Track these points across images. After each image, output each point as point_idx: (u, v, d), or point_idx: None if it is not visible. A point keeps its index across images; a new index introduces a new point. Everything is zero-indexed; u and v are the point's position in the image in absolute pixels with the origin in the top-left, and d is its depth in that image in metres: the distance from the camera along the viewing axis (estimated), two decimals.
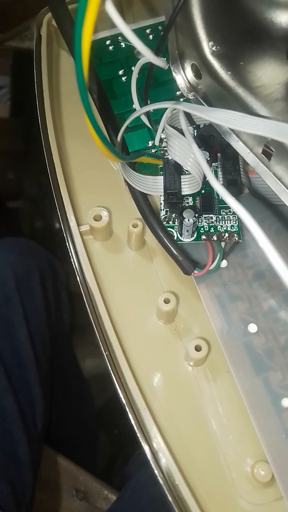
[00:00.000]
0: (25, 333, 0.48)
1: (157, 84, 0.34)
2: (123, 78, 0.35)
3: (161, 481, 0.24)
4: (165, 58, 0.23)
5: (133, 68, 0.36)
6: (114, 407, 0.76)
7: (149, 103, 0.28)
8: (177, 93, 0.34)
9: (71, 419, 0.66)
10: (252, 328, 0.27)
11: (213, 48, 0.25)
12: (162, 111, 0.30)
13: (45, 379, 0.49)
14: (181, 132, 0.27)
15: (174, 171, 0.28)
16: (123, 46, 0.37)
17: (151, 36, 0.37)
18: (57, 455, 0.56)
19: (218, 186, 0.20)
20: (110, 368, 0.26)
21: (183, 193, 0.27)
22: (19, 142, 0.92)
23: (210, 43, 0.25)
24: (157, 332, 0.29)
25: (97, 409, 0.76)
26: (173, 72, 0.27)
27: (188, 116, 0.29)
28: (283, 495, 0.24)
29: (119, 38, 0.37)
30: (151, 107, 0.25)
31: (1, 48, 0.68)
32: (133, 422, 0.25)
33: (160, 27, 0.37)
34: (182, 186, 0.27)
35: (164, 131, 0.29)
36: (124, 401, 0.26)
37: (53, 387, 0.53)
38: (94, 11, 0.15)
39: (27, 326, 0.48)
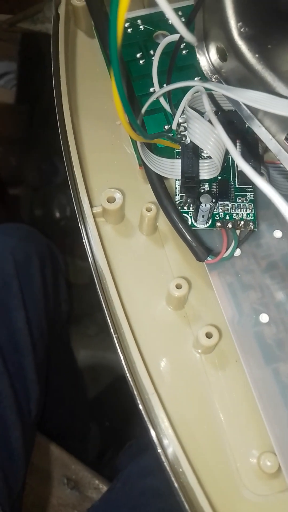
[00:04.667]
0: (22, 319, 0.47)
1: (175, 69, 0.34)
2: (141, 61, 0.35)
3: (167, 467, 0.23)
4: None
5: (151, 51, 0.35)
6: (106, 399, 0.76)
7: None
8: (196, 79, 0.33)
9: (64, 408, 0.65)
10: (264, 318, 0.27)
11: (242, 30, 0.24)
12: (179, 96, 0.29)
13: (40, 365, 0.49)
14: (201, 115, 0.26)
15: (192, 155, 0.27)
16: (142, 29, 0.36)
17: (170, 21, 0.36)
18: (49, 443, 0.56)
19: (244, 165, 0.19)
20: (118, 349, 0.26)
21: (201, 178, 0.27)
22: (23, 128, 0.91)
23: (238, 24, 0.24)
24: (166, 318, 0.29)
25: (89, 400, 0.75)
26: (197, 54, 0.27)
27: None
28: None
29: (138, 21, 0.37)
30: (177, 85, 0.24)
31: (12, 30, 0.67)
32: (140, 406, 0.25)
33: (180, 12, 0.37)
34: (200, 171, 0.27)
35: (183, 115, 0.28)
36: (132, 384, 0.25)
37: (48, 375, 0.53)
38: None
39: (24, 312, 0.48)
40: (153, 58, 0.34)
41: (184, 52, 0.35)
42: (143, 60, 0.35)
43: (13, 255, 0.50)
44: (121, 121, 0.21)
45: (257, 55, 0.24)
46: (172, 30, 0.30)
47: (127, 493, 0.47)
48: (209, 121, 0.26)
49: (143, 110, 0.26)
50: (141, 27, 0.36)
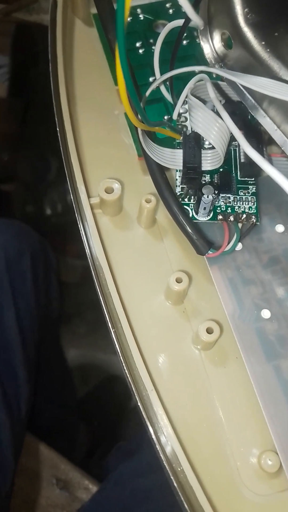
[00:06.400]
0: (13, 316, 0.46)
1: (176, 60, 0.33)
2: (140, 51, 0.34)
3: (166, 466, 0.23)
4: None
5: (151, 40, 0.34)
6: (95, 399, 0.75)
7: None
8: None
9: (54, 407, 0.64)
10: (265, 313, 0.26)
11: (248, 16, 0.23)
12: (180, 87, 0.28)
13: (30, 364, 0.48)
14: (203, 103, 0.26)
15: (194, 145, 0.26)
16: (142, 18, 0.36)
17: (171, 11, 0.36)
18: (38, 443, 0.55)
19: (252, 152, 0.19)
20: (116, 345, 0.25)
21: (203, 168, 0.26)
22: (16, 123, 0.89)
23: (245, 10, 0.23)
24: (164, 313, 0.28)
25: (79, 399, 0.74)
26: (200, 41, 0.26)
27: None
28: None
29: (138, 10, 0.36)
30: (182, 70, 0.24)
31: (6, 20, 0.65)
32: (138, 403, 0.24)
33: None
34: (202, 161, 0.26)
35: (184, 103, 0.27)
36: (129, 380, 0.24)
37: (38, 373, 0.52)
38: None
39: (15, 309, 0.47)
40: (153, 47, 0.33)
41: (184, 42, 0.34)
42: (143, 50, 0.34)
43: (5, 251, 0.49)
44: (119, 110, 0.20)
45: (263, 43, 0.23)
46: (172, 20, 0.29)
47: (118, 494, 0.46)
48: (212, 110, 0.26)
49: (147, 93, 0.25)
50: (140, 16, 0.36)
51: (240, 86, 0.24)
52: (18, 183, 0.89)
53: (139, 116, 0.22)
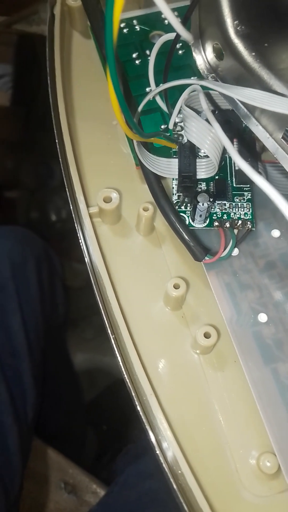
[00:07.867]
0: (18, 322, 0.47)
1: (172, 69, 0.33)
2: (137, 62, 0.35)
3: (166, 469, 0.23)
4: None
5: (147, 51, 0.35)
6: (103, 403, 0.75)
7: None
8: (192, 78, 0.33)
9: (61, 411, 0.65)
10: (262, 318, 0.27)
11: (238, 28, 0.24)
12: (176, 96, 0.29)
13: (37, 369, 0.49)
14: (198, 114, 0.26)
15: (189, 154, 0.27)
16: (138, 29, 0.36)
17: (166, 21, 0.36)
18: (46, 447, 0.56)
19: (242, 163, 0.19)
20: (116, 351, 0.26)
21: (198, 177, 0.27)
22: (19, 131, 0.91)
23: (235, 22, 0.24)
24: (163, 319, 0.28)
25: (86, 404, 0.75)
26: (193, 52, 0.27)
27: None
28: None
29: (134, 21, 0.36)
30: (174, 83, 0.24)
31: (7, 31, 0.67)
32: (138, 407, 0.24)
33: (176, 13, 0.37)
34: (197, 170, 0.27)
35: (179, 114, 0.28)
36: (129, 385, 0.25)
37: (45, 378, 0.52)
38: None
39: (21, 315, 0.47)
40: (149, 58, 0.34)
41: (180, 52, 0.35)
42: (139, 60, 0.35)
43: (9, 257, 0.49)
44: (117, 120, 0.21)
45: (253, 54, 0.24)
46: (168, 30, 0.30)
47: (125, 497, 0.47)
48: (206, 120, 0.26)
49: (140, 108, 0.26)
50: (136, 27, 0.36)
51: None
52: (22, 190, 0.90)
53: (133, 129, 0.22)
